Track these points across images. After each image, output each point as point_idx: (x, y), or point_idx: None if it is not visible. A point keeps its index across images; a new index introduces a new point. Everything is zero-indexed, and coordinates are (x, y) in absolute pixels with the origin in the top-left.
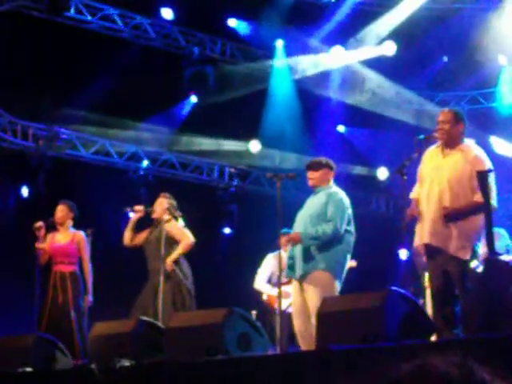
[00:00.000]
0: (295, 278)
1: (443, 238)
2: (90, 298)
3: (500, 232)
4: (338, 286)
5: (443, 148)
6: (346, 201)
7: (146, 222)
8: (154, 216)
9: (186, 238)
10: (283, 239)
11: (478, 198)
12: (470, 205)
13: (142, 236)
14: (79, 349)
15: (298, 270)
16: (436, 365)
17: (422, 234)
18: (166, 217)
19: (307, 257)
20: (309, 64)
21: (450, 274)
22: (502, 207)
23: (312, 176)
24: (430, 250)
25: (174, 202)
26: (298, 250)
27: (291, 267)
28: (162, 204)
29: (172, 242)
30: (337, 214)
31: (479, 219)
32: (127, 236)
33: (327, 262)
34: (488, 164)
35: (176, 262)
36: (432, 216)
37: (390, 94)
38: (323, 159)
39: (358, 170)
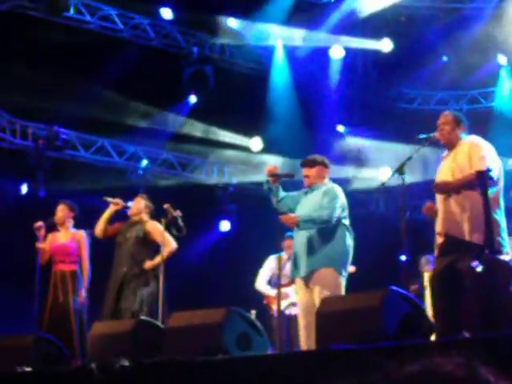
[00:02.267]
0: (300, 277)
1: (457, 226)
2: (83, 293)
3: None
4: (342, 282)
5: (448, 151)
6: (343, 195)
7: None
8: (130, 213)
9: (170, 244)
10: (286, 242)
11: (475, 168)
12: (467, 177)
13: (114, 229)
14: (78, 349)
15: (303, 269)
16: (441, 365)
17: (438, 228)
18: (146, 217)
19: (311, 255)
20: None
21: (461, 268)
22: None
23: (307, 173)
24: (444, 245)
25: (151, 205)
26: (302, 248)
27: (295, 266)
28: (139, 203)
29: (149, 243)
30: (331, 203)
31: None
32: (100, 227)
33: (331, 259)
34: (486, 147)
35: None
36: (442, 207)
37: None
38: (318, 156)
39: (362, 173)
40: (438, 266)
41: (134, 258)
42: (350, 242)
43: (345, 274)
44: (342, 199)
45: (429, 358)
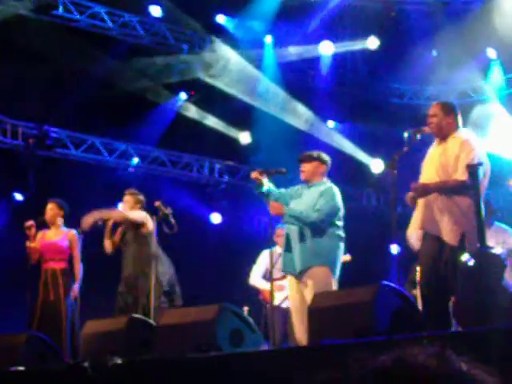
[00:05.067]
0: (293, 275)
1: (435, 224)
2: (76, 289)
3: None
4: (335, 280)
5: (439, 141)
6: (339, 198)
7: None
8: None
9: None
10: (278, 232)
11: (458, 175)
12: (445, 183)
13: (117, 237)
14: (67, 347)
15: (297, 266)
16: (414, 355)
17: (415, 222)
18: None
19: (304, 253)
20: (296, 53)
21: (441, 266)
22: None
23: (304, 169)
24: (424, 239)
25: (141, 197)
26: (295, 246)
27: (288, 263)
28: (129, 202)
29: (142, 240)
30: (325, 206)
31: (468, 202)
32: (107, 244)
33: (324, 257)
34: (477, 148)
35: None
36: (423, 203)
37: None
38: (315, 152)
39: (358, 155)
40: (424, 260)
41: (142, 260)
42: (341, 242)
43: (337, 272)
44: (337, 202)
45: (401, 348)
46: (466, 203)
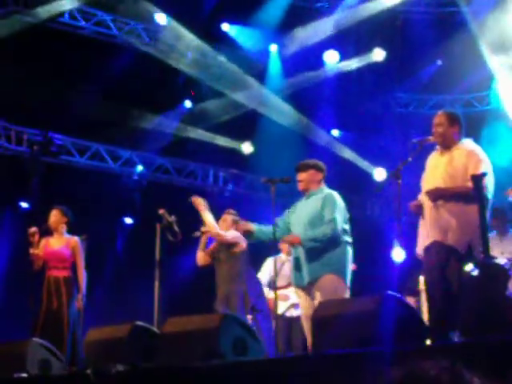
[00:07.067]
0: (303, 285)
1: (442, 231)
2: (83, 299)
3: None
4: (346, 288)
5: (442, 150)
6: (341, 201)
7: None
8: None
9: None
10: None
11: (471, 184)
12: (461, 188)
13: (209, 254)
14: (67, 355)
15: (306, 277)
16: (426, 369)
17: (424, 238)
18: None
19: (313, 262)
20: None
21: (447, 273)
22: None
23: (300, 178)
24: (430, 248)
25: (238, 218)
26: (303, 256)
27: (297, 277)
28: (226, 221)
29: (236, 259)
30: (335, 215)
31: (476, 212)
32: (200, 257)
33: (334, 265)
34: (484, 159)
35: (240, 274)
36: (429, 212)
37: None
38: (311, 160)
39: (362, 164)
40: (429, 269)
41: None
42: (349, 247)
43: (348, 278)
44: (341, 207)
45: (414, 362)
46: (474, 212)
